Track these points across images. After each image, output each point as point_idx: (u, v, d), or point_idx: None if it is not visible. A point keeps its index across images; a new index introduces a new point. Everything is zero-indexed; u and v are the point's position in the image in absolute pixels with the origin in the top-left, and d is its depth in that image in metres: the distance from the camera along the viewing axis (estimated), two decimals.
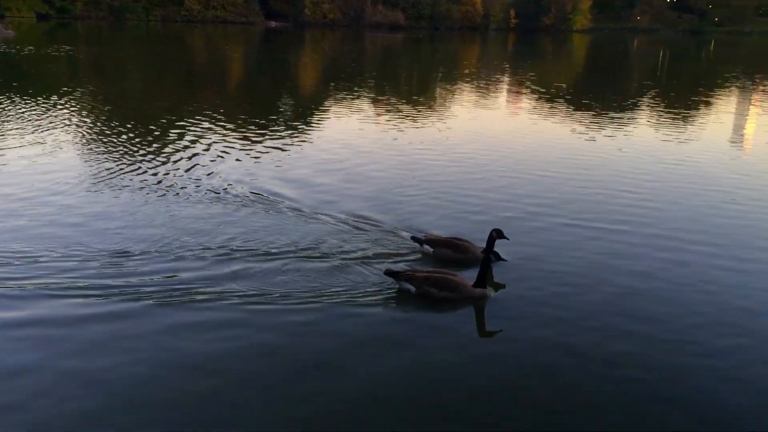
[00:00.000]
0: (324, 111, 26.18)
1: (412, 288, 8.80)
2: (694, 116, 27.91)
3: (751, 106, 32.03)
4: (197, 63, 49.83)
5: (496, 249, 9.96)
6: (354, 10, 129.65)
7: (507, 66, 56.33)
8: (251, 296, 8.65)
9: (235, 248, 10.27)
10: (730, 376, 7.14)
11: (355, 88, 34.06)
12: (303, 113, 25.65)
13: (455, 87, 37.03)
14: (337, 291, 8.85)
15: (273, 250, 10.20)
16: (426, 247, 10.16)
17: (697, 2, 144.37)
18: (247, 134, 19.99)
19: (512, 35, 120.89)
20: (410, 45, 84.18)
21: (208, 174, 14.92)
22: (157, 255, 9.91)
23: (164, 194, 13.28)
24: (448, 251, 9.99)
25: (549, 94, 34.22)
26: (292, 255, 10.04)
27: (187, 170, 15.24)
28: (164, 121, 21.69)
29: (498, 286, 9.26)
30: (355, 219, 11.91)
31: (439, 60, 62.40)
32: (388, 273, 9.01)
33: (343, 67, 48.97)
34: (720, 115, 28.33)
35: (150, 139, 18.81)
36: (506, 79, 44.00)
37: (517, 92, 35.58)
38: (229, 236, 10.82)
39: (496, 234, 9.94)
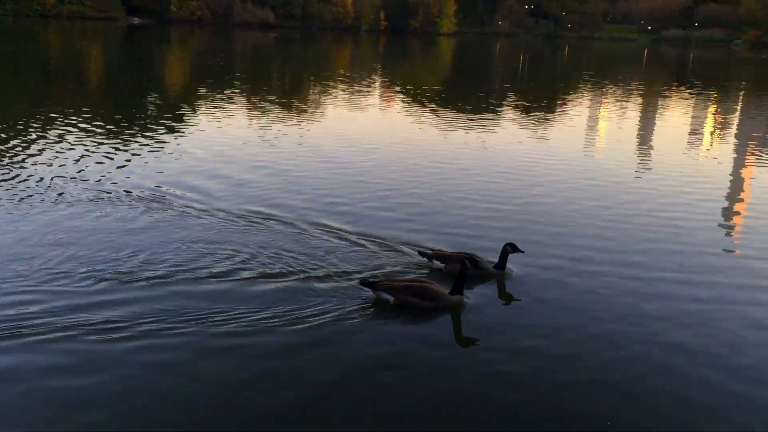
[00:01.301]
0: (192, 110, 25.37)
1: (391, 298, 8.52)
2: (553, 116, 29.79)
3: (602, 106, 34.64)
4: (53, 61, 46.66)
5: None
6: (222, 8, 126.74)
7: (379, 67, 57.29)
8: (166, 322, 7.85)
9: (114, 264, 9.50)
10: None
11: (225, 88, 33.31)
12: (169, 113, 24.71)
13: (328, 87, 37.14)
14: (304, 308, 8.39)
15: (200, 262, 9.57)
16: (436, 262, 9.79)
17: (552, 9, 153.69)
18: (111, 135, 18.99)
19: (383, 37, 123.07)
20: (282, 45, 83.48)
21: (75, 178, 14.05)
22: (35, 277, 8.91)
23: (32, 203, 12.23)
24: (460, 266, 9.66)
25: (420, 96, 35.17)
26: (226, 270, 9.41)
27: (51, 175, 14.24)
28: (20, 124, 20.16)
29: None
30: (256, 216, 11.82)
31: (312, 60, 62.34)
32: (364, 283, 8.68)
33: (212, 67, 47.73)
34: (575, 115, 30.38)
35: (5, 142, 17.41)
36: (379, 79, 44.74)
37: (390, 93, 36.31)
38: (116, 250, 10.04)
39: (511, 248, 9.71)
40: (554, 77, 56.37)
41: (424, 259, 10.01)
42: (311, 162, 17.01)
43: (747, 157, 21.07)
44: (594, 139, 24.40)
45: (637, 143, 23.58)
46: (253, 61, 58.41)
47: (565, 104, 35.00)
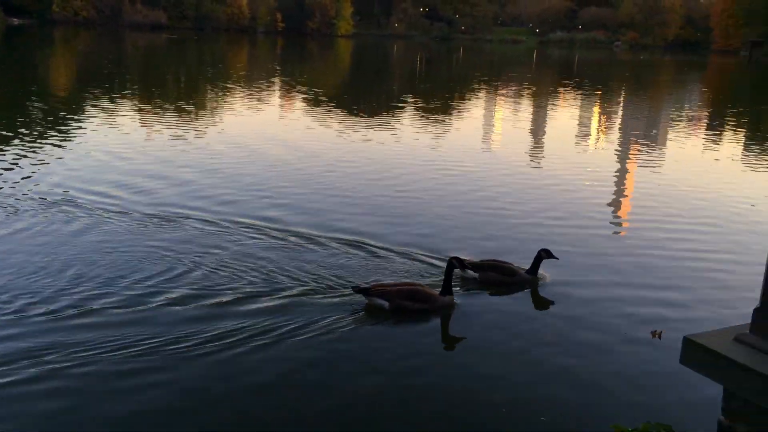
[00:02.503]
0: (78, 115, 24.12)
1: (386, 303, 8.45)
2: (450, 117, 30.55)
3: (497, 106, 35.90)
4: None
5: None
6: (110, 9, 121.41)
7: (278, 69, 56.72)
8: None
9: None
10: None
11: (114, 91, 32.01)
12: (53, 118, 23.41)
13: (224, 89, 36.40)
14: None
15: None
16: (469, 271, 9.65)
17: (446, 12, 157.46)
18: None
19: (280, 38, 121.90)
20: (176, 46, 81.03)
21: None
22: None
23: None
24: (495, 275, 9.59)
25: (320, 98, 35.12)
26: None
27: None
28: None
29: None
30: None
31: (208, 62, 60.87)
32: (357, 290, 8.55)
33: (101, 69, 45.68)
34: (473, 115, 31.33)
35: None
36: (278, 82, 44.29)
37: (289, 95, 36.02)
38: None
39: (545, 254, 9.72)
40: (450, 79, 57.72)
41: (457, 269, 9.77)
42: (211, 163, 16.66)
43: (630, 152, 22.49)
44: (489, 137, 25.26)
45: (530, 141, 24.61)
46: (144, 63, 56.31)
47: (462, 104, 35.99)
